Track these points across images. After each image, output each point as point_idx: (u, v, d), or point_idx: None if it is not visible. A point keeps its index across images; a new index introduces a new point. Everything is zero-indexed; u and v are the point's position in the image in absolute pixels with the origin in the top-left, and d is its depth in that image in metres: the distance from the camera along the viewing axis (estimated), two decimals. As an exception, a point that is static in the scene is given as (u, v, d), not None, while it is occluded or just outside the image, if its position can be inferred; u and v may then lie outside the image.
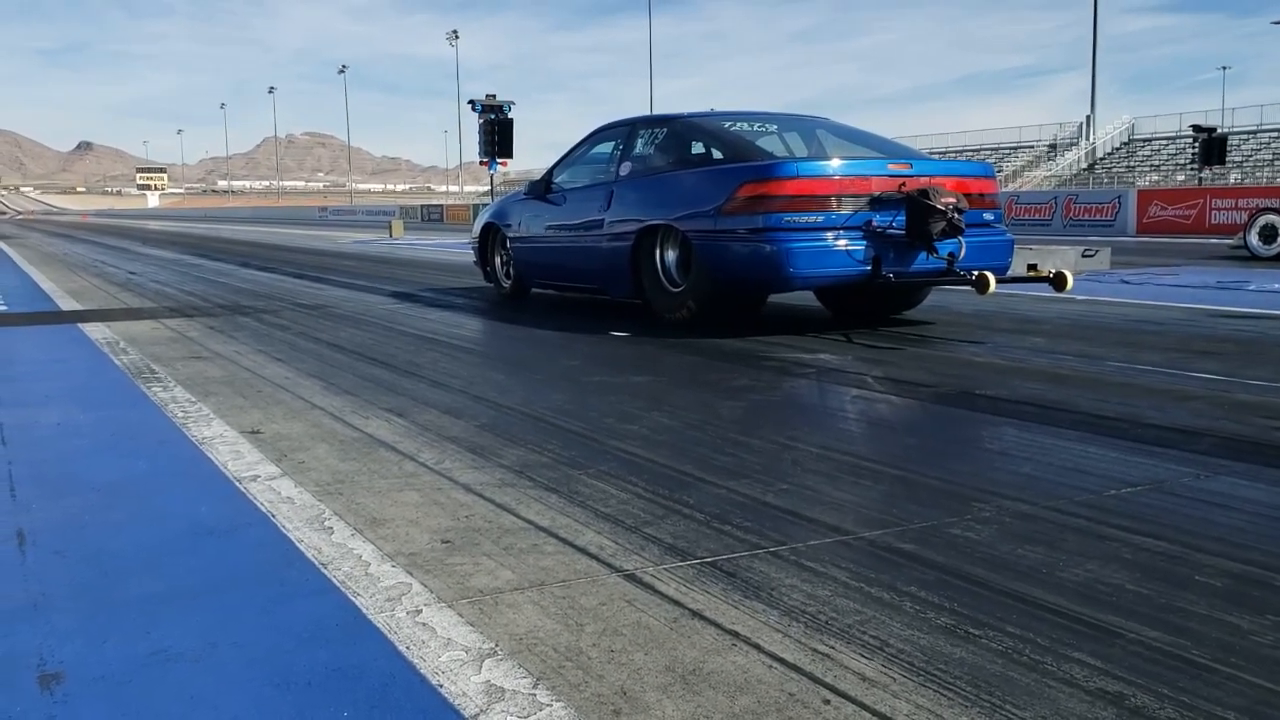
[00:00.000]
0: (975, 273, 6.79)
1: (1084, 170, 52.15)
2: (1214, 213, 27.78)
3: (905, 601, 2.56)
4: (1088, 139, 53.44)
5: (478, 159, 32.42)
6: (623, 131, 8.78)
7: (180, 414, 4.90)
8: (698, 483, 3.64)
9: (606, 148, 9.00)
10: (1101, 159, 53.11)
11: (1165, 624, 2.42)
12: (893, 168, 7.07)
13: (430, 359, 6.79)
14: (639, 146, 8.45)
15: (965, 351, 6.74)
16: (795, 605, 2.54)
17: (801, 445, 4.23)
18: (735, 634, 2.37)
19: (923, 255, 6.95)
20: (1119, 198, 30.77)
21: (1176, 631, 2.37)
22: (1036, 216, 31.52)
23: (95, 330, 8.21)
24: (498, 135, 30.57)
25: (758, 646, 2.30)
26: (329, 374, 6.11)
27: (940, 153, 54.42)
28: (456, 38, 77.13)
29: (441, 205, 66.56)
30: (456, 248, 24.57)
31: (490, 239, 10.72)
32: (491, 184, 37.65)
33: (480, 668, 2.20)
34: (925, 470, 3.85)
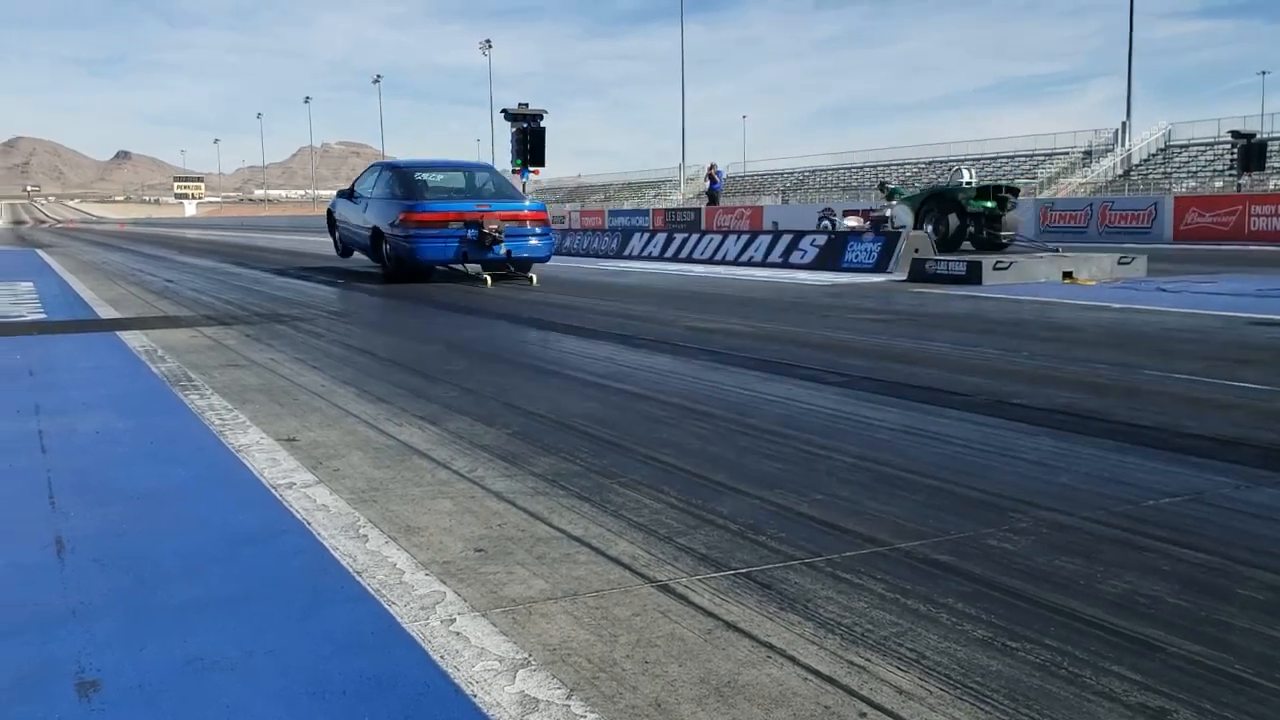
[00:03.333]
0: (521, 261, 14.14)
1: (1119, 177, 51.67)
2: (1253, 219, 27.41)
3: (942, 613, 2.54)
4: (1123, 145, 52.92)
5: (510, 168, 32.55)
6: (379, 169, 16.28)
7: (217, 421, 4.94)
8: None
9: (373, 176, 16.05)
10: (1137, 165, 52.61)
11: (1206, 637, 2.38)
12: (478, 207, 14.02)
13: (460, 366, 6.84)
14: (380, 179, 15.59)
15: (982, 355, 6.68)
16: (831, 617, 2.52)
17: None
18: (771, 646, 2.36)
19: (493, 251, 13.70)
20: (1155, 204, 30.42)
21: (1218, 645, 2.34)
22: (1071, 224, 31.21)
23: (133, 338, 8.31)
24: (529, 144, 30.60)
25: (793, 659, 2.29)
26: (363, 381, 6.14)
27: (974, 159, 53.99)
28: (489, 47, 77.55)
29: (473, 213, 66.88)
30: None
31: (331, 219, 18.43)
32: (523, 192, 37.79)
33: (514, 678, 2.20)
34: (960, 480, 3.82)
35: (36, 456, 4.29)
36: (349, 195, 16.64)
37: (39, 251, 28.73)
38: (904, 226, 19.87)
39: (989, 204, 20.86)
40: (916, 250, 15.72)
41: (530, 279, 14.45)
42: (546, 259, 15.11)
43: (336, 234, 18.06)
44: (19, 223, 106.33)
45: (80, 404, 5.56)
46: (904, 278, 14.79)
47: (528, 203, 15.38)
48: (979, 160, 53.87)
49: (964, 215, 20.96)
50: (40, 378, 6.45)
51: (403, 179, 15.16)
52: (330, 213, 18.26)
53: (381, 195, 15.12)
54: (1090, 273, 14.14)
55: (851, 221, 22.11)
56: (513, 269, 14.51)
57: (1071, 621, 2.48)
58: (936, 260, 14.69)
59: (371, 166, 16.86)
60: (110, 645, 2.41)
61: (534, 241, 14.46)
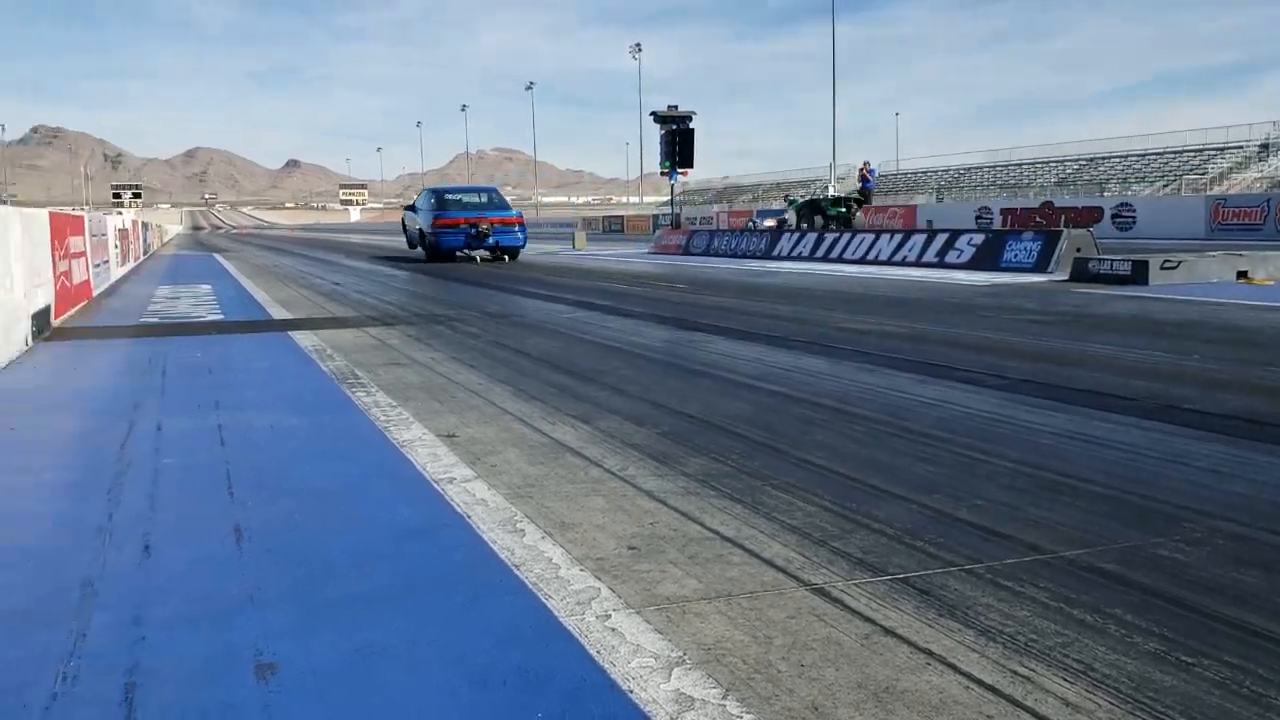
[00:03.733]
0: (504, 250, 22.28)
1: (1302, 170, 48.53)
2: None
3: (1110, 624, 2.44)
4: (1306, 136, 49.63)
5: (659, 170, 32.74)
6: (428, 192, 24.00)
7: (382, 418, 5.14)
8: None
9: (424, 196, 23.82)
10: (1323, 157, 49.31)
11: None
12: (478, 215, 22.18)
13: (612, 366, 6.91)
14: (426, 198, 23.62)
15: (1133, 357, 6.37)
16: (992, 625, 2.46)
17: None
18: (930, 653, 2.31)
19: (485, 242, 21.74)
20: (1343, 198, 28.43)
21: None
22: (1245, 221, 29.42)
23: (304, 338, 8.71)
24: (679, 145, 30.76)
25: (953, 666, 2.24)
26: (517, 380, 6.29)
27: (1138, 155, 51.54)
28: (639, 50, 78.17)
29: (622, 216, 67.55)
30: (637, 258, 24.91)
31: (403, 223, 26.74)
32: (672, 194, 37.89)
33: (669, 675, 2.22)
34: (1127, 487, 3.66)
35: (216, 450, 4.54)
36: (411, 208, 25.38)
37: (215, 256, 30.38)
38: (790, 223, 30.16)
39: (842, 209, 30.18)
40: (1079, 249, 15.14)
41: (504, 259, 22.65)
42: (522, 246, 23.15)
43: (406, 233, 26.44)
44: (197, 228, 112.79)
45: (256, 400, 5.86)
46: (1065, 277, 14.27)
47: (512, 211, 23.52)
48: (1144, 155, 51.39)
49: (826, 217, 29.86)
50: (219, 375, 6.82)
51: (437, 198, 23.70)
52: (403, 220, 27.15)
53: (425, 208, 23.52)
54: (1268, 272, 13.35)
55: (769, 222, 31.90)
56: (500, 254, 22.64)
57: (1252, 637, 2.35)
58: (1100, 259, 14.11)
59: (424, 190, 24.84)
60: (284, 632, 2.53)
61: (514, 235, 22.71)
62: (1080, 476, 3.84)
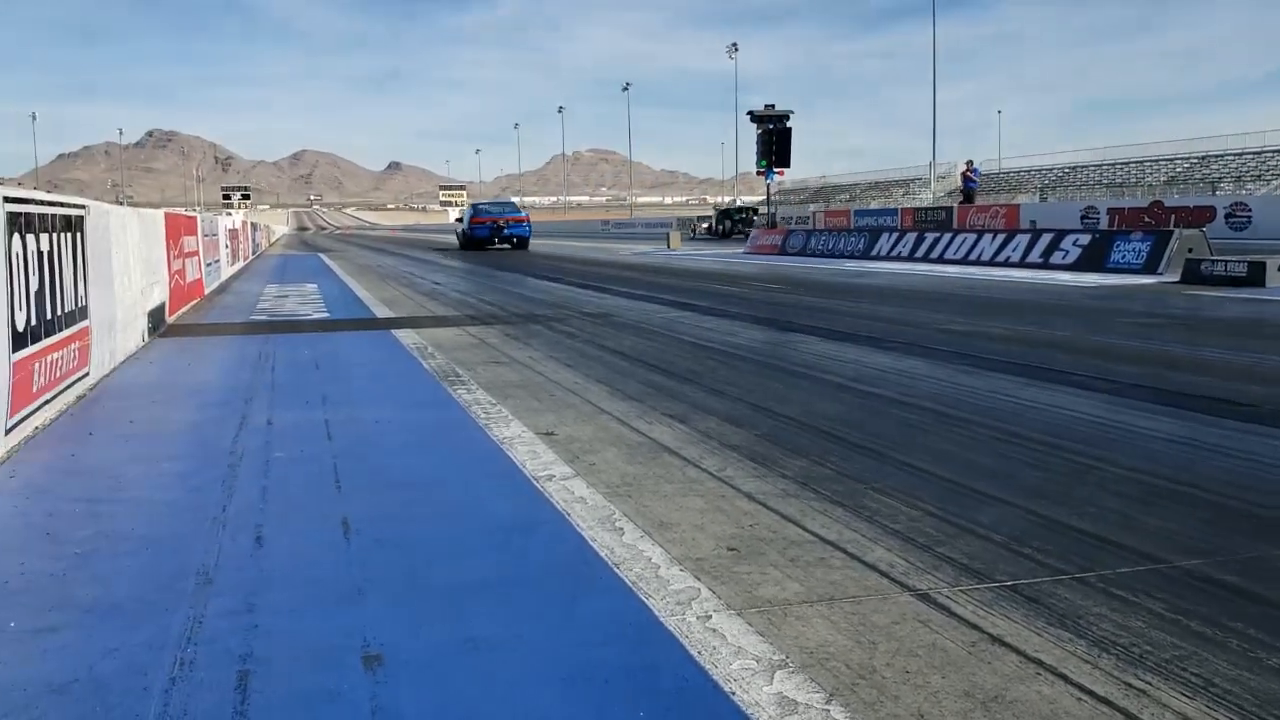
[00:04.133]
0: (515, 239, 33.67)
1: None
2: None
3: (1231, 638, 2.35)
4: None
5: (754, 169, 32.63)
6: (470, 206, 39.69)
7: (482, 415, 5.21)
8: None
9: (466, 209, 39.27)
10: None
11: None
12: (497, 215, 34.79)
13: (708, 366, 6.90)
14: (468, 209, 37.84)
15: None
16: (1105, 636, 2.39)
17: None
18: (1040, 662, 2.26)
19: (501, 235, 33.45)
20: None
21: None
22: (1367, 222, 28.06)
23: (406, 336, 8.88)
24: (775, 145, 30.63)
25: (1064, 677, 2.18)
26: (614, 380, 6.31)
27: (1253, 154, 49.51)
28: (736, 50, 77.93)
29: (718, 216, 67.29)
30: (733, 258, 24.82)
31: (457, 227, 40.83)
32: (768, 193, 37.74)
33: (772, 679, 2.20)
34: (1247, 497, 3.53)
35: (324, 443, 4.66)
36: (460, 220, 39.38)
37: (320, 255, 31.18)
38: (714, 226, 45.80)
39: (743, 215, 44.58)
40: (1190, 250, 14.64)
41: (511, 243, 32.90)
42: (527, 235, 33.52)
43: (458, 235, 36.99)
44: (302, 229, 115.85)
45: (361, 396, 6.00)
46: (1176, 279, 13.80)
47: (520, 213, 34.86)
48: (1260, 153, 49.37)
49: (734, 222, 43.67)
50: (326, 371, 6.99)
51: (474, 208, 35.68)
52: (457, 226, 40.42)
53: (466, 216, 35.37)
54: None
55: (705, 224, 48.13)
56: (513, 242, 32.80)
57: (1388, 658, 2.24)
58: (1214, 260, 13.61)
59: (469, 205, 39.27)
60: (391, 621, 2.58)
61: (522, 227, 33.22)
62: (1197, 484, 3.70)
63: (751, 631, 2.45)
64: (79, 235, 6.06)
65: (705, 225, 47.80)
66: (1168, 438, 4.53)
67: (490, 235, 32.97)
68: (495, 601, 2.71)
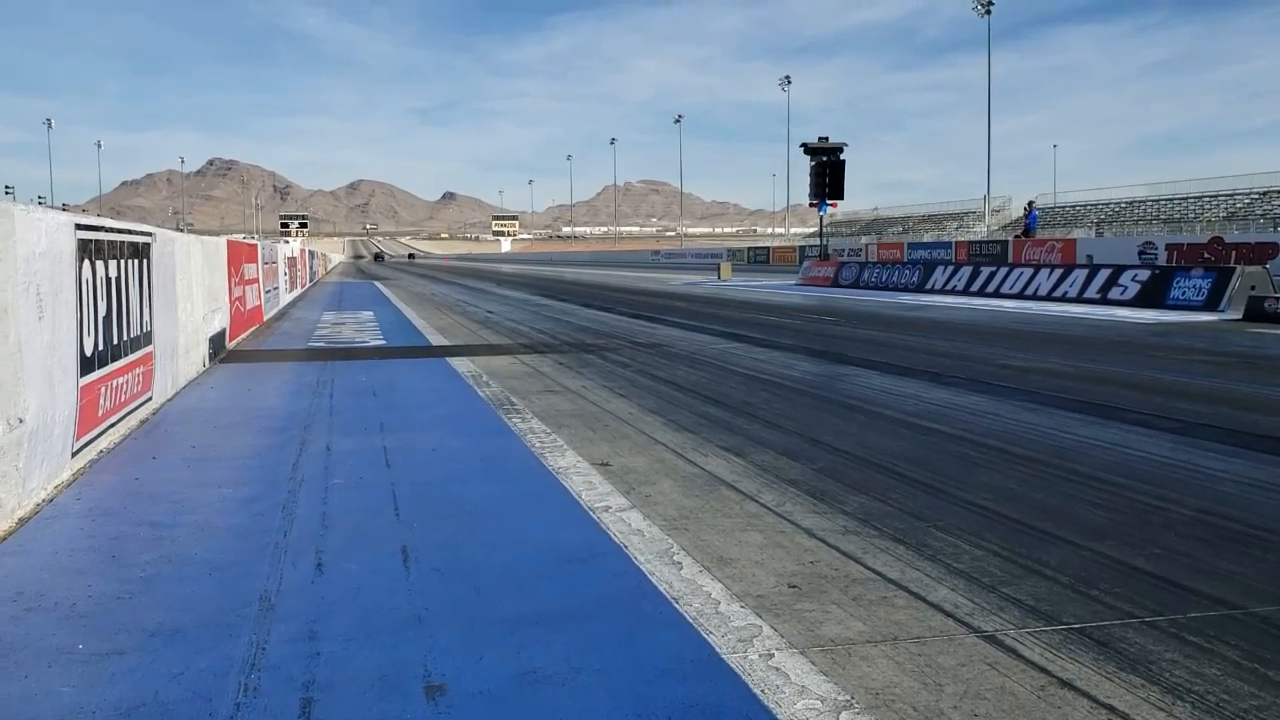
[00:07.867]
0: None
1: None
2: None
3: (1314, 692, 2.28)
4: None
5: (807, 201, 32.60)
6: None
7: (538, 444, 5.22)
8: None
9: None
10: None
11: None
12: None
13: (762, 399, 6.86)
14: None
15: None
16: (1179, 682, 2.32)
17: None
18: (1112, 709, 2.20)
19: None
20: None
21: None
22: None
23: (461, 364, 8.94)
24: (828, 177, 30.62)
25: (1139, 726, 2.12)
26: (668, 410, 6.30)
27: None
28: (789, 83, 78.21)
29: (768, 247, 67.34)
30: (783, 289, 24.75)
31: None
32: (820, 225, 37.65)
33: (837, 719, 2.17)
34: (1326, 543, 3.43)
35: (382, 470, 4.69)
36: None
37: (376, 283, 31.54)
38: None
39: None
40: (1253, 287, 14.36)
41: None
42: None
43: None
44: (358, 257, 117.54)
45: (417, 424, 6.03)
46: (1238, 316, 13.55)
47: None
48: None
49: None
50: (383, 398, 7.05)
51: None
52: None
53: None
54: None
55: None
56: None
57: None
58: (1278, 298, 13.34)
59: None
60: (452, 652, 2.58)
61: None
62: (1269, 528, 3.61)
63: (815, 670, 2.42)
64: (145, 261, 6.18)
65: None
66: (1236, 479, 4.42)
67: None
68: (555, 633, 2.70)
